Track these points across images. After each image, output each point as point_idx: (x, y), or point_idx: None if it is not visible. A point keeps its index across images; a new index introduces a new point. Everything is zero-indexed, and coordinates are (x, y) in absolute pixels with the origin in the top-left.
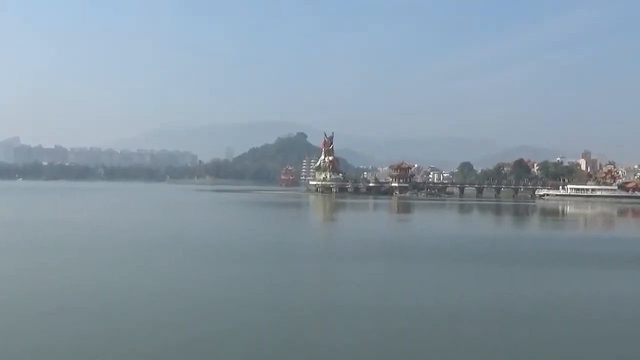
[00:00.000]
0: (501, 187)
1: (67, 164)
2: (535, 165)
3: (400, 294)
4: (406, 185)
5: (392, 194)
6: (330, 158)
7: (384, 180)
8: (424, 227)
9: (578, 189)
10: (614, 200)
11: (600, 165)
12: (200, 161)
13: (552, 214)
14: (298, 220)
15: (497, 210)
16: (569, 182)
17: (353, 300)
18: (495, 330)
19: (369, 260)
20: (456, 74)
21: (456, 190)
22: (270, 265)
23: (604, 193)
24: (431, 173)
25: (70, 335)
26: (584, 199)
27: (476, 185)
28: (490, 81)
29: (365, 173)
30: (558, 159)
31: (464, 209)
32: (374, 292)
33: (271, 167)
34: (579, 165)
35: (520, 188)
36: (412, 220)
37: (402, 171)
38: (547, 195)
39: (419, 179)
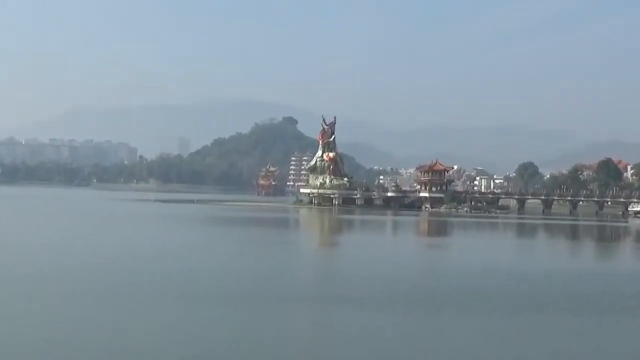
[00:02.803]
0: (579, 200)
1: None
2: (629, 168)
3: None
4: (441, 195)
5: (420, 207)
6: (331, 155)
7: (408, 188)
8: (465, 259)
9: None
10: None
11: None
12: (141, 157)
13: None
14: (281, 246)
15: (573, 233)
16: None
17: None
18: None
19: (383, 308)
20: (512, 35)
21: (513, 203)
22: (234, 311)
23: None
24: (477, 178)
25: None
26: None
27: (542, 197)
28: (563, 45)
29: (381, 177)
30: None
31: (524, 231)
32: (387, 357)
33: (245, 166)
34: None
35: (607, 201)
36: (448, 248)
37: (436, 175)
38: None
39: (459, 186)
